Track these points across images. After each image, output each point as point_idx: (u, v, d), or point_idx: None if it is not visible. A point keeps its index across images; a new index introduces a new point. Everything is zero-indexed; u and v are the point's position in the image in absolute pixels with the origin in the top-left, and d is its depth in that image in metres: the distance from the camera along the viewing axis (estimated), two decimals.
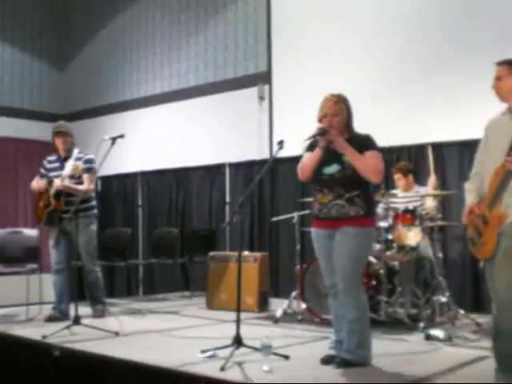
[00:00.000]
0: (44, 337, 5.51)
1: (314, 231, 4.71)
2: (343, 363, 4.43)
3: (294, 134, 8.38)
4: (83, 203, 6.64)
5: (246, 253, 7.66)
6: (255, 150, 9.33)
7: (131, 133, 8.35)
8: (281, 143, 5.04)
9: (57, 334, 5.59)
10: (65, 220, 6.54)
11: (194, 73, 10.49)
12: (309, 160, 4.68)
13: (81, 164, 6.53)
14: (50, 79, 12.67)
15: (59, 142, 6.83)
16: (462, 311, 6.24)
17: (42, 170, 6.93)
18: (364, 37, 8.28)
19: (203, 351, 4.80)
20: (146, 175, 10.87)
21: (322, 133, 4.58)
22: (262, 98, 9.41)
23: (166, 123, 10.75)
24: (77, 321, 5.95)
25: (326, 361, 4.54)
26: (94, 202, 6.95)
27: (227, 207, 9.67)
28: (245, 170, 9.49)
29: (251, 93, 9.54)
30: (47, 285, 7.58)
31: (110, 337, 5.69)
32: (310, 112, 8.56)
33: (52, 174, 6.78)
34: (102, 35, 12.06)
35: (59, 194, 6.59)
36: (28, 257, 7.56)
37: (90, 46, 12.31)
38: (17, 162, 11.95)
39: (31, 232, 7.88)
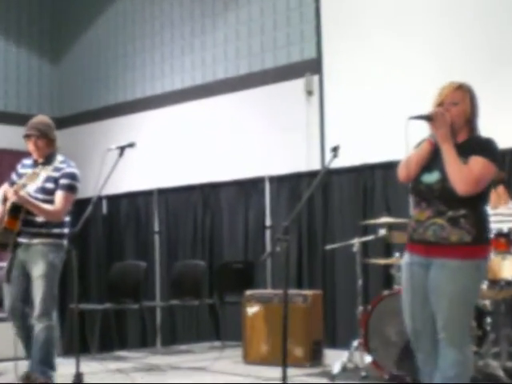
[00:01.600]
0: None
1: (405, 257, 4.53)
2: None
3: (352, 137, 8.44)
4: (47, 227, 6.20)
5: (293, 291, 7.63)
6: (302, 160, 9.29)
7: (143, 140, 8.38)
8: (335, 150, 4.97)
9: None
10: (21, 246, 6.15)
11: (223, 62, 10.53)
12: (413, 157, 4.42)
13: (50, 170, 6.14)
14: (40, 75, 12.81)
15: (30, 148, 6.35)
16: None
17: (13, 176, 6.46)
18: (438, 13, 8.25)
19: None
20: (164, 193, 10.94)
21: (430, 117, 4.33)
22: (310, 93, 9.39)
23: (188, 127, 10.79)
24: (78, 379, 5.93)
25: None
26: (64, 229, 6.34)
27: (267, 233, 9.66)
28: (289, 184, 9.48)
29: (296, 86, 9.54)
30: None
31: None
32: (372, 109, 8.63)
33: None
34: (104, 19, 12.18)
35: (16, 208, 6.06)
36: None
37: (89, 33, 12.43)
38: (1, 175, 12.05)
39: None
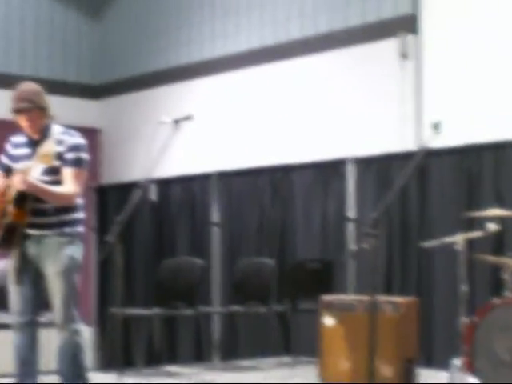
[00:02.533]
0: None
1: None
2: None
3: (456, 112, 8.37)
4: (61, 213, 6.13)
5: (381, 298, 7.59)
6: (394, 138, 9.27)
7: (200, 113, 8.37)
8: (436, 127, 4.96)
9: None
10: (30, 239, 6.07)
11: (298, 19, 10.51)
12: None
13: (52, 145, 6.01)
14: (78, 33, 12.93)
15: (22, 123, 6.18)
16: None
17: (4, 159, 6.36)
18: None
19: None
20: (225, 178, 10.99)
21: None
22: (404, 56, 9.34)
23: (255, 97, 10.84)
24: None
25: None
26: (80, 214, 6.28)
27: (350, 226, 9.62)
28: (377, 168, 9.46)
29: (388, 48, 9.51)
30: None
31: None
32: (481, 79, 8.55)
33: (18, 164, 6.19)
34: None
35: (23, 197, 5.98)
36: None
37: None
38: None
39: None
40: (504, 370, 6.26)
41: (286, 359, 9.41)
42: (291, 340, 9.67)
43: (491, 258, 7.27)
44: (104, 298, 11.73)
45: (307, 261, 9.74)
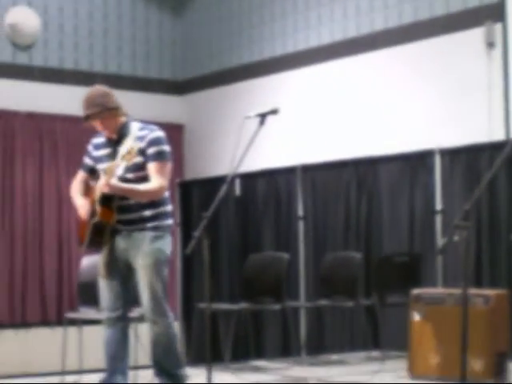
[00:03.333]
0: None
1: None
2: None
3: None
4: (149, 208, 6.23)
5: (472, 291, 7.52)
6: (482, 129, 9.18)
7: (285, 106, 8.33)
8: None
9: None
10: (119, 234, 6.23)
11: (382, 10, 10.48)
12: None
13: (133, 142, 6.10)
14: (160, 30, 13.00)
15: (98, 127, 6.34)
16: None
17: (87, 160, 6.53)
18: None
19: None
20: (310, 171, 10.95)
21: None
22: (491, 45, 9.25)
23: (339, 90, 10.82)
24: None
25: None
26: (168, 207, 6.39)
27: (439, 218, 9.54)
28: (466, 159, 9.35)
29: (474, 37, 9.44)
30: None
31: None
32: None
33: (101, 165, 6.30)
34: None
35: (108, 197, 6.10)
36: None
37: None
38: None
39: None
40: None
41: (375, 353, 9.38)
42: (380, 334, 9.63)
43: None
44: (189, 293, 11.80)
45: (395, 254, 9.71)
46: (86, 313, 7.65)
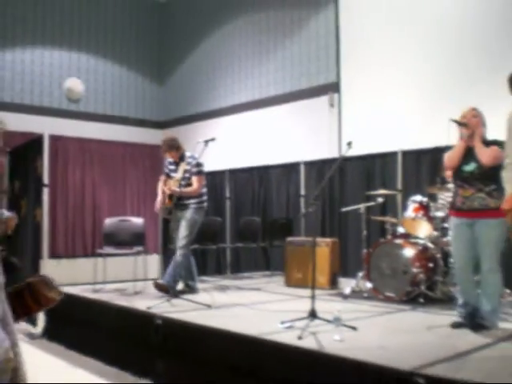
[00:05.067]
0: (148, 308, 5.61)
1: (454, 220, 4.80)
2: (479, 327, 4.61)
3: (360, 136, 8.38)
4: (192, 199, 6.81)
5: (319, 239, 7.63)
6: (326, 150, 9.23)
7: (221, 136, 8.33)
8: (349, 144, 5.05)
9: (159, 306, 5.69)
10: (178, 209, 6.79)
11: (274, 84, 10.46)
12: (453, 151, 4.76)
13: (185, 165, 6.74)
14: (151, 92, 12.89)
15: (170, 156, 6.96)
16: (508, 290, 6.04)
17: (166, 170, 7.05)
18: (423, 50, 8.09)
19: (283, 322, 4.80)
20: (233, 172, 10.89)
21: (463, 124, 4.70)
22: (332, 105, 9.30)
23: (250, 128, 10.77)
24: (175, 295, 6.04)
25: (457, 326, 4.73)
26: (202, 198, 6.93)
27: (302, 199, 9.57)
28: (317, 167, 9.36)
29: (323, 101, 9.45)
30: (151, 264, 7.72)
31: (204, 309, 5.75)
32: (375, 117, 8.56)
33: (171, 174, 6.94)
34: (196, 53, 12.16)
35: (171, 195, 6.73)
36: (135, 240, 7.70)
37: (186, 63, 12.43)
38: (125, 162, 12.24)
39: (138, 220, 8.04)
40: (386, 278, 6.28)
41: (267, 272, 9.44)
42: (270, 262, 9.70)
43: (379, 217, 7.31)
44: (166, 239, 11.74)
45: (278, 218, 9.73)
46: (108, 250, 7.61)
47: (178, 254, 6.64)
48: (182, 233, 6.73)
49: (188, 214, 6.77)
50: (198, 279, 7.12)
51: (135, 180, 12.31)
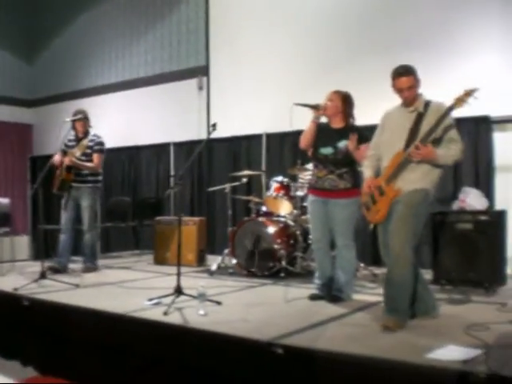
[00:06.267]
0: (15, 289, 5.42)
1: (311, 197, 4.99)
2: (335, 299, 4.83)
3: (228, 118, 8.50)
4: (90, 176, 6.76)
5: (186, 218, 7.68)
6: (195, 132, 9.25)
7: (92, 116, 8.06)
8: (214, 126, 5.08)
9: (26, 287, 5.52)
10: (73, 188, 6.67)
11: (144, 66, 10.32)
12: (305, 132, 4.91)
13: (86, 142, 6.59)
14: (20, 69, 12.28)
15: (78, 126, 6.81)
16: (362, 264, 6.39)
17: (63, 147, 6.86)
18: (291, 35, 8.23)
19: (150, 299, 4.81)
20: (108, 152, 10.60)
21: (315, 107, 4.86)
22: (200, 88, 9.33)
23: (120, 108, 10.56)
24: (43, 275, 5.88)
25: (314, 298, 4.94)
26: (99, 177, 6.92)
27: (171, 179, 9.57)
28: (186, 148, 9.36)
29: (192, 83, 9.44)
30: (20, 245, 7.44)
31: (72, 289, 5.64)
32: (242, 101, 8.69)
33: (69, 150, 6.76)
34: (67, 33, 11.69)
35: (70, 167, 6.58)
36: (0, 221, 7.39)
37: (57, 41, 11.92)
38: None
39: (3, 200, 7.72)
40: (249, 255, 6.43)
41: (137, 251, 9.36)
42: (139, 241, 9.65)
43: (244, 197, 7.45)
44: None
45: (148, 198, 9.67)
46: None
47: (90, 236, 6.84)
48: (87, 215, 6.78)
49: (87, 195, 6.77)
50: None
51: (2, 159, 11.73)
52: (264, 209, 6.80)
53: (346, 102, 4.92)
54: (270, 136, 8.36)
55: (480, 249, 5.15)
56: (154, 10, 10.18)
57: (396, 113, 4.23)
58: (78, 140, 6.76)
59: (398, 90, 4.10)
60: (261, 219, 6.48)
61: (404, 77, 4.05)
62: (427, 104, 4.09)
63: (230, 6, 8.99)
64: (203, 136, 8.97)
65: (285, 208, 6.55)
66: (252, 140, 8.60)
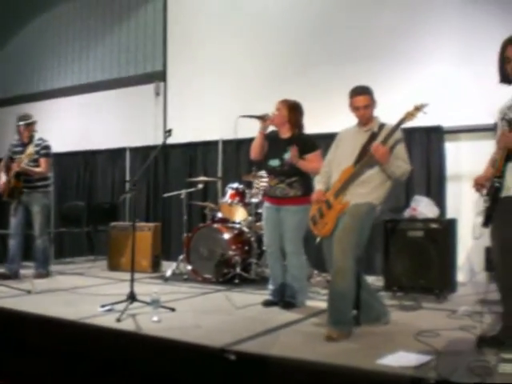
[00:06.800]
0: None
1: (265, 203, 5.10)
2: (288, 305, 4.86)
3: (185, 124, 8.48)
4: (40, 181, 6.66)
5: (141, 223, 7.62)
6: (151, 137, 9.15)
7: (47, 119, 7.96)
8: (169, 131, 5.09)
9: None
10: (23, 194, 6.59)
11: (101, 70, 10.19)
12: (254, 144, 4.95)
13: (32, 149, 6.45)
14: None
15: (24, 130, 6.71)
16: (316, 271, 6.43)
17: (9, 153, 6.78)
18: (246, 44, 8.26)
19: (103, 306, 4.75)
20: (58, 156, 10.25)
21: (261, 117, 4.89)
22: (157, 94, 9.28)
23: (76, 112, 10.37)
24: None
25: (268, 304, 4.97)
26: (49, 181, 6.85)
27: (127, 184, 9.44)
28: (142, 153, 9.26)
29: (149, 88, 9.37)
30: None
31: (23, 295, 5.53)
32: (199, 106, 8.67)
33: (16, 156, 6.67)
34: (25, 32, 11.43)
35: (18, 174, 6.51)
36: None
37: (12, 42, 11.67)
38: None
39: None
40: (204, 261, 6.42)
41: (91, 257, 9.20)
42: (94, 246, 9.51)
43: (200, 203, 7.44)
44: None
45: (103, 203, 9.54)
46: None
47: (42, 241, 6.72)
48: (38, 220, 6.69)
49: (38, 201, 6.68)
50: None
51: None
52: (219, 215, 6.80)
53: (292, 110, 4.93)
54: (226, 142, 8.36)
55: (431, 256, 5.24)
56: (112, 13, 10.09)
57: (351, 132, 4.32)
58: (24, 145, 6.66)
59: (355, 109, 4.18)
60: (216, 225, 6.47)
61: (361, 96, 4.15)
62: (382, 126, 4.18)
63: (188, 13, 8.97)
64: (160, 141, 8.84)
65: (240, 215, 6.57)
66: (208, 146, 8.59)
